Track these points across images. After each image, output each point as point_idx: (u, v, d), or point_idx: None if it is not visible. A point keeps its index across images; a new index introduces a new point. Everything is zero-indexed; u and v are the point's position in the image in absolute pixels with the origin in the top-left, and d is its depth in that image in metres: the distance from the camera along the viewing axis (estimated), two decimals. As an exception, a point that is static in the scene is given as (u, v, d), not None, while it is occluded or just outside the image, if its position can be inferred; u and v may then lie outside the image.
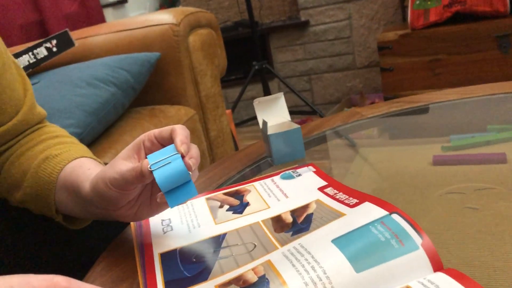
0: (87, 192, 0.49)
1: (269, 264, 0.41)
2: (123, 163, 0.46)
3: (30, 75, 1.28)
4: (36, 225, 0.64)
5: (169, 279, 0.43)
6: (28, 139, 0.60)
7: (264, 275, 0.39)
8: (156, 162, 0.43)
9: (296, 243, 0.43)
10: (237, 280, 0.40)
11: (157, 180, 0.42)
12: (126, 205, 0.48)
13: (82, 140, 1.08)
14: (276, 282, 0.38)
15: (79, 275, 0.49)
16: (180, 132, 0.45)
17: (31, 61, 1.29)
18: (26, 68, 1.28)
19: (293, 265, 0.39)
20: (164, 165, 0.43)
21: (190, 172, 0.43)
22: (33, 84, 1.12)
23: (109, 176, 0.45)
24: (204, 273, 0.43)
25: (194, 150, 0.46)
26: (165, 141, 0.47)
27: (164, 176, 0.42)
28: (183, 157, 0.44)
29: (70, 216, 0.58)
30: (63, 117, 1.07)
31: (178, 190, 0.43)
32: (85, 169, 0.53)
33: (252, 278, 0.39)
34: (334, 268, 0.37)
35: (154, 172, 0.43)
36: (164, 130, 0.46)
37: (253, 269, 0.41)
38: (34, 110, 0.61)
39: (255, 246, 0.46)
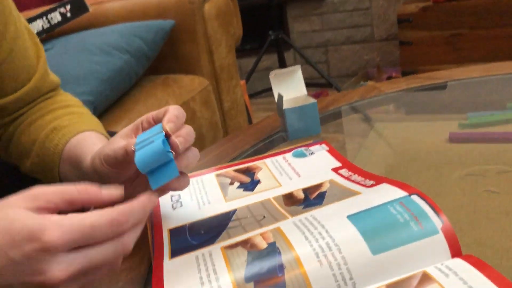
0: (87, 166, 0.49)
1: (278, 231, 0.40)
2: (120, 141, 0.45)
3: (43, 41, 1.27)
4: None
5: (176, 248, 0.43)
6: (39, 107, 0.60)
7: (274, 243, 0.38)
8: (140, 142, 0.41)
9: (307, 214, 0.42)
10: (245, 243, 0.40)
11: (135, 160, 0.40)
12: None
13: (95, 109, 1.07)
14: (285, 249, 0.37)
15: None
16: (171, 111, 0.43)
17: (45, 27, 1.27)
18: (39, 33, 1.27)
19: (303, 234, 0.38)
20: (147, 144, 0.41)
21: (172, 152, 0.40)
22: (46, 50, 1.11)
23: (104, 152, 0.45)
24: (211, 240, 0.43)
25: (185, 130, 0.43)
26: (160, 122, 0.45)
27: (143, 156, 0.40)
28: (168, 136, 0.41)
29: None
30: (76, 84, 1.06)
31: (159, 171, 0.40)
32: (89, 143, 0.52)
33: (261, 243, 0.39)
34: (347, 243, 0.36)
35: (136, 152, 0.40)
36: (160, 111, 0.45)
37: (262, 235, 0.40)
38: (46, 77, 0.60)
39: (264, 217, 0.45)
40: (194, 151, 0.44)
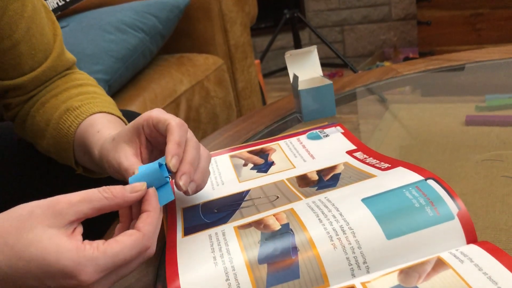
0: (96, 158, 0.50)
1: (292, 213, 0.40)
2: (124, 149, 0.44)
3: (58, 18, 1.27)
4: (57, 178, 0.65)
5: (189, 226, 0.43)
6: (54, 85, 0.60)
7: (287, 224, 0.38)
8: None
9: (321, 196, 0.42)
10: (258, 223, 0.40)
11: (129, 180, 0.40)
12: None
13: (109, 87, 1.08)
14: (299, 231, 0.37)
15: (101, 231, 0.50)
16: (174, 135, 0.41)
17: (59, 4, 1.27)
18: (54, 10, 1.27)
19: (317, 216, 0.38)
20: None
21: (169, 177, 0.41)
22: (61, 28, 1.11)
23: (110, 161, 0.45)
24: (224, 219, 0.43)
25: (189, 158, 0.42)
26: (160, 136, 0.44)
27: (138, 177, 0.40)
28: (171, 172, 0.41)
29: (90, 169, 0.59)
30: (91, 62, 1.06)
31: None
32: (94, 131, 0.52)
33: (274, 224, 0.39)
34: (362, 227, 0.36)
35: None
36: (161, 123, 0.43)
37: (275, 216, 0.40)
38: (63, 56, 0.60)
39: (277, 197, 0.45)
40: (204, 171, 0.44)
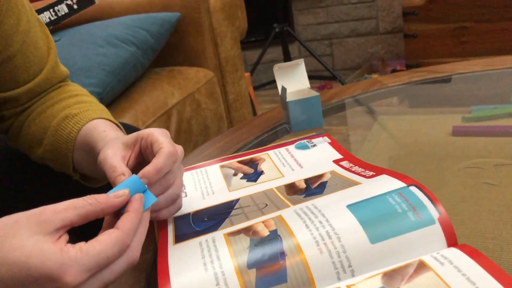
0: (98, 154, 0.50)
1: (280, 219, 0.41)
2: (118, 147, 0.46)
3: (51, 33, 1.28)
4: (53, 187, 0.66)
5: (180, 233, 0.44)
6: (49, 97, 0.61)
7: (275, 230, 0.39)
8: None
9: (309, 203, 0.43)
10: (247, 230, 0.41)
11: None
12: None
13: (102, 100, 1.09)
14: (286, 237, 0.38)
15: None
16: (156, 162, 0.43)
17: (52, 18, 1.28)
18: (47, 25, 1.28)
19: (304, 222, 0.39)
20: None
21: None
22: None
23: (105, 158, 0.46)
24: (214, 226, 0.44)
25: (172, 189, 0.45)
26: (151, 155, 0.45)
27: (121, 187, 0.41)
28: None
29: (87, 175, 0.60)
30: (84, 76, 1.07)
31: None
32: (100, 130, 0.53)
33: (263, 230, 0.40)
34: (347, 232, 0.37)
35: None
36: (156, 144, 0.44)
37: (264, 222, 0.41)
38: (57, 69, 0.61)
39: (266, 205, 0.46)
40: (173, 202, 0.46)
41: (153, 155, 0.44)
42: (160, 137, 0.45)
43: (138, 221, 0.38)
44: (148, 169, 0.42)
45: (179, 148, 0.47)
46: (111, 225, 0.40)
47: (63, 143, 0.56)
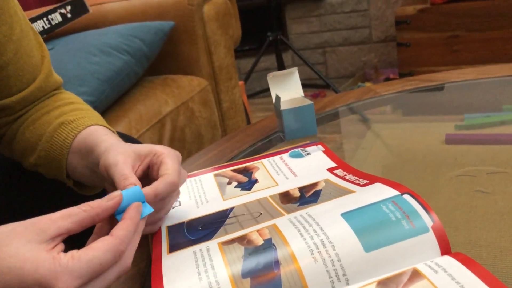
0: (101, 151, 0.50)
1: (274, 228, 0.41)
2: (129, 159, 0.46)
3: (44, 41, 1.28)
4: (46, 196, 0.66)
5: (174, 243, 0.44)
6: (43, 104, 0.60)
7: (270, 239, 0.39)
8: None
9: (303, 211, 0.43)
10: (241, 239, 0.41)
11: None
12: None
13: (95, 108, 1.08)
14: (281, 245, 0.38)
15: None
16: (156, 186, 0.43)
17: (45, 27, 1.28)
18: (40, 33, 1.28)
19: (298, 231, 0.39)
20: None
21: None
22: (47, 50, 1.12)
23: (116, 163, 0.46)
24: (208, 235, 0.44)
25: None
26: (156, 173, 0.46)
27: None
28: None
29: (80, 182, 0.59)
30: (77, 84, 1.07)
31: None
32: (101, 134, 0.54)
33: (257, 239, 0.40)
34: (341, 240, 0.37)
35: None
36: (163, 166, 0.45)
37: (258, 231, 0.41)
38: (50, 77, 0.61)
39: (260, 214, 0.46)
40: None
41: (157, 175, 0.45)
42: (170, 161, 0.45)
43: (133, 229, 0.38)
44: (147, 190, 0.43)
45: (183, 173, 0.48)
46: (103, 229, 0.40)
47: (57, 149, 0.56)
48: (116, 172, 0.44)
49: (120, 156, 0.45)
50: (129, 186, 0.42)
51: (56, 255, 0.34)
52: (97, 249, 0.35)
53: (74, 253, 0.34)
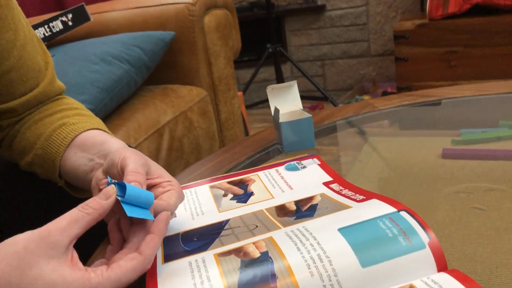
0: (112, 146, 0.52)
1: (271, 241, 0.41)
2: (143, 167, 0.46)
3: (45, 48, 1.28)
4: (39, 205, 0.66)
5: (169, 253, 0.44)
6: (47, 107, 0.61)
7: (266, 252, 0.39)
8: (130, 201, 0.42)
9: (299, 225, 0.43)
10: (238, 251, 0.41)
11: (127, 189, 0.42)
12: None
13: (94, 117, 1.09)
14: (277, 259, 0.38)
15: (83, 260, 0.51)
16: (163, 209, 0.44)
17: (46, 34, 1.29)
18: (41, 41, 1.29)
19: (295, 244, 0.39)
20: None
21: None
22: (47, 58, 1.12)
23: (111, 170, 0.47)
24: (204, 246, 0.44)
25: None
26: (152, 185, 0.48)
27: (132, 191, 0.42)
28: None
29: (72, 185, 0.59)
30: (77, 92, 1.07)
31: (138, 209, 0.43)
32: (108, 136, 0.55)
33: (253, 252, 0.40)
34: (338, 255, 0.38)
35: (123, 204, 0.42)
36: (164, 195, 0.46)
37: (254, 244, 0.41)
38: (54, 83, 0.62)
39: (256, 226, 0.46)
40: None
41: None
42: (175, 195, 0.46)
43: (159, 244, 0.40)
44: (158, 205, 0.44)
45: (182, 194, 0.48)
46: (118, 240, 0.43)
47: (54, 147, 0.56)
48: (131, 164, 0.45)
49: (142, 159, 0.47)
50: (135, 183, 0.43)
51: (85, 274, 0.35)
52: (126, 269, 0.36)
53: (103, 271, 0.35)
